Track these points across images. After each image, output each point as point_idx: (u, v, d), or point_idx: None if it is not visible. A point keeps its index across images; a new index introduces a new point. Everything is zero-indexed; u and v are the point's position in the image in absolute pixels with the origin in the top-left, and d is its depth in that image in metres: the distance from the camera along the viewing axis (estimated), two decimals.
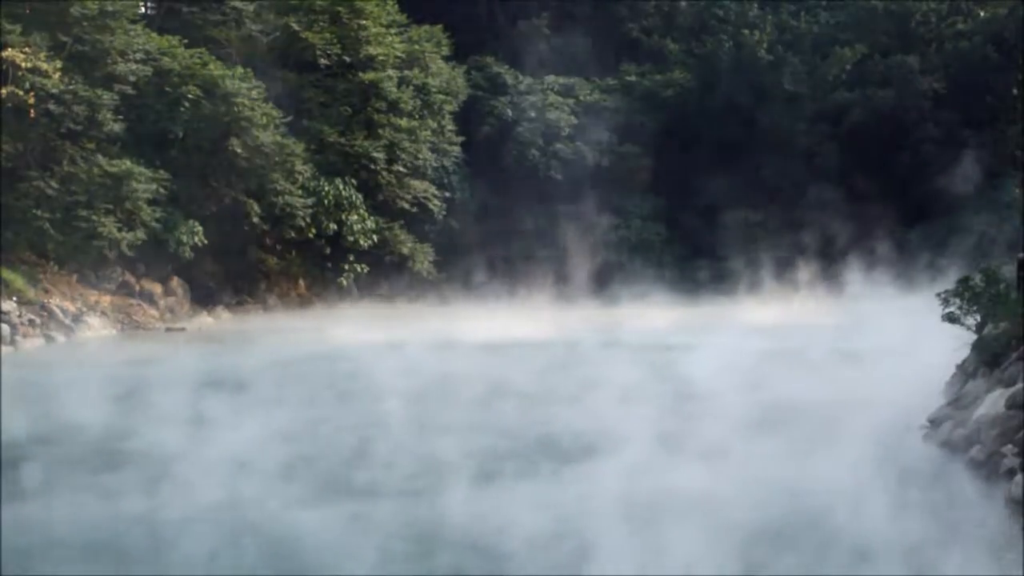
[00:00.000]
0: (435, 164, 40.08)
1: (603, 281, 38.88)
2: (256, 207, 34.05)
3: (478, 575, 9.29)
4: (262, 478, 12.15)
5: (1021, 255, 15.41)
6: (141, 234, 30.88)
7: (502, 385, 18.55)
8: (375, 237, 37.28)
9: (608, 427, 14.36)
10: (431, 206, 39.48)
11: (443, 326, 29.28)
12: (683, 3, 49.30)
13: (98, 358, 24.61)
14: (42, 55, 29.56)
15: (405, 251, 38.53)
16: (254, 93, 33.66)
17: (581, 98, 44.70)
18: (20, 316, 26.70)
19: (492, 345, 24.89)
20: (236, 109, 33.05)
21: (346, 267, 36.97)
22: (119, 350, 26.14)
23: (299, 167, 34.90)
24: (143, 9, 37.06)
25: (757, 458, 12.68)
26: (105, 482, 12.21)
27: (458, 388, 18.51)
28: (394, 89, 38.27)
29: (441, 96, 40.44)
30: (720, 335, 24.90)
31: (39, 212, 29.54)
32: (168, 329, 29.98)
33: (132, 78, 31.76)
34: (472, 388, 18.28)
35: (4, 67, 28.93)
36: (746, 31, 45.34)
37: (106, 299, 30.58)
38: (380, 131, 37.85)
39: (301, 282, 37.29)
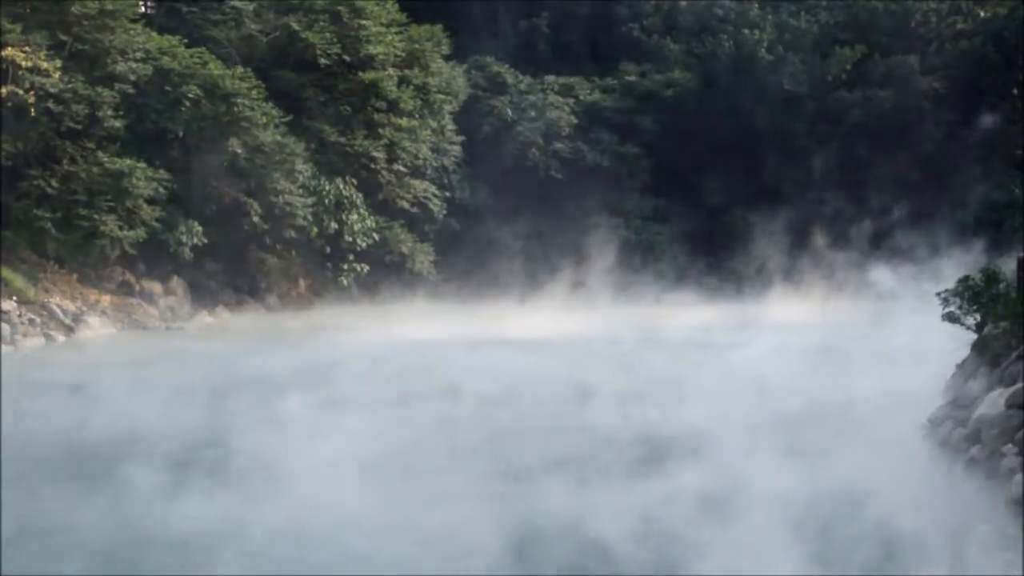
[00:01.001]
0: (435, 164, 40.07)
1: (606, 280, 38.80)
2: (256, 206, 34.04)
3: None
4: (413, 475, 12.26)
5: (1021, 255, 15.39)
6: (141, 233, 30.87)
7: (585, 383, 18.52)
8: (375, 237, 37.26)
9: (714, 424, 14.67)
10: (431, 206, 39.45)
11: (476, 325, 29.31)
12: (683, 3, 49.27)
13: (136, 356, 24.15)
14: (42, 54, 29.55)
15: (405, 251, 38.49)
16: (254, 93, 33.65)
17: (581, 98, 44.69)
18: (20, 315, 26.69)
19: (543, 343, 25.04)
20: (236, 109, 33.06)
21: (346, 267, 36.95)
22: (151, 347, 25.97)
23: (299, 166, 34.88)
24: (143, 8, 37.06)
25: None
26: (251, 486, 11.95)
27: (543, 387, 18.44)
28: (394, 88, 38.24)
29: (441, 95, 40.42)
30: (757, 333, 25.09)
31: (39, 212, 29.54)
32: (168, 328, 29.97)
33: (132, 77, 31.75)
34: (557, 387, 18.32)
35: (4, 66, 28.91)
36: (746, 31, 45.33)
37: (106, 298, 30.57)
38: (380, 130, 37.83)
39: (301, 282, 37.27)
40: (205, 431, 14.86)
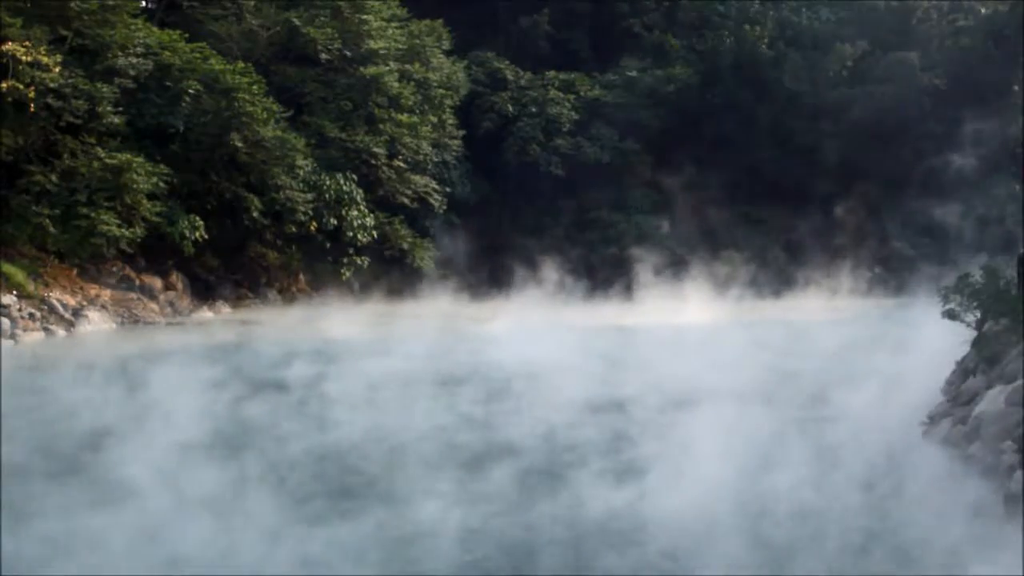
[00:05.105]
0: (436, 159, 40.04)
1: (610, 276, 38.75)
2: (257, 202, 34.03)
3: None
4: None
5: (1021, 252, 15.36)
6: (139, 231, 30.80)
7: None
8: (375, 232, 37.25)
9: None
10: (432, 201, 39.44)
11: (564, 315, 29.37)
12: None
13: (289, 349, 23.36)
14: (43, 49, 29.51)
15: (405, 246, 38.51)
16: (255, 88, 33.63)
17: (582, 93, 44.67)
18: (20, 310, 26.68)
19: (697, 330, 25.60)
20: (237, 104, 33.02)
21: (346, 262, 36.94)
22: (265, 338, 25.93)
23: (300, 162, 34.86)
24: (144, 3, 37.05)
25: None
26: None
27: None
28: (395, 84, 38.24)
29: (442, 91, 40.40)
30: (848, 325, 26.02)
31: (38, 209, 29.50)
32: (169, 323, 29.96)
33: (133, 72, 31.73)
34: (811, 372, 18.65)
35: (5, 61, 28.88)
36: (747, 27, 45.31)
37: (106, 293, 30.56)
38: (381, 126, 37.81)
39: (301, 277, 37.28)
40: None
